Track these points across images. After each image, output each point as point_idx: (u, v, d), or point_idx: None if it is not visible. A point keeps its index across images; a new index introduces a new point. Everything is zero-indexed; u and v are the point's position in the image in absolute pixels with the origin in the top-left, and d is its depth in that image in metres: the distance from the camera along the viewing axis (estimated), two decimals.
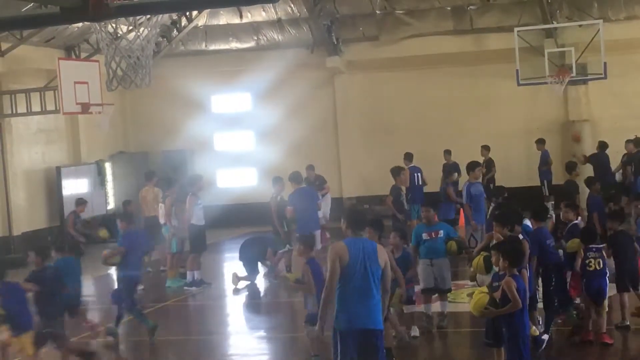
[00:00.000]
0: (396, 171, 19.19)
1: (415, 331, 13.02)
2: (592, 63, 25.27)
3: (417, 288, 13.40)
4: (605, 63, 24.28)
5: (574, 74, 24.83)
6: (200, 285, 18.23)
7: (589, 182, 17.47)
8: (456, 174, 25.93)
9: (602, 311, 12.20)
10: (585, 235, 12.55)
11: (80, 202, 20.96)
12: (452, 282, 15.45)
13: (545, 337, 11.86)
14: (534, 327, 11.45)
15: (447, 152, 26.03)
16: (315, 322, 11.49)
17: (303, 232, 17.63)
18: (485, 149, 25.78)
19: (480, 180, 18.10)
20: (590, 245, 12.35)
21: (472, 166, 17.92)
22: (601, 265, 12.16)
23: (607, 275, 12.26)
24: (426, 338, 13.33)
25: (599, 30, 24.38)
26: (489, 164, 25.70)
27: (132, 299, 14.33)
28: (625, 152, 23.97)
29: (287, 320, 15.66)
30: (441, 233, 13.48)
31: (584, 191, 19.45)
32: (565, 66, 25.03)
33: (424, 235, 13.52)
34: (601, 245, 12.45)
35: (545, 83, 24.85)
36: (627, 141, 24.27)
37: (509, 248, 10.20)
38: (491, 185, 23.58)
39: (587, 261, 12.22)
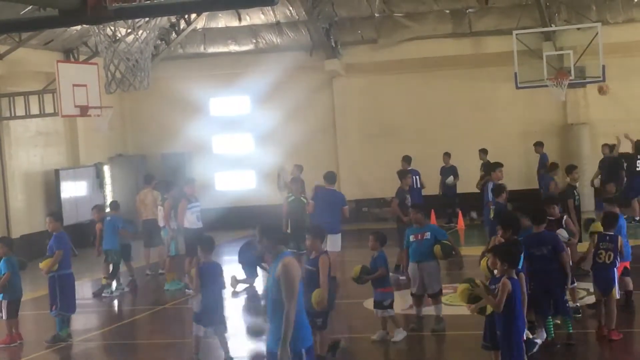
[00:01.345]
0: (403, 174, 19.28)
1: (397, 336, 12.99)
2: (590, 66, 25.28)
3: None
4: (603, 66, 24.31)
5: (572, 77, 24.84)
6: None
7: (603, 184, 17.68)
8: (452, 177, 25.95)
9: (611, 305, 12.23)
10: (606, 220, 12.66)
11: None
12: (451, 284, 15.47)
13: (538, 340, 11.83)
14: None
15: (447, 155, 26.02)
16: (202, 320, 12.19)
17: None
18: (483, 152, 25.82)
19: (499, 181, 17.85)
20: (605, 233, 12.44)
21: (493, 167, 17.85)
22: (611, 258, 12.24)
23: (617, 266, 12.32)
24: (424, 341, 13.35)
25: (597, 33, 24.38)
26: (487, 167, 25.70)
27: (73, 300, 14.40)
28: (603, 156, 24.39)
29: None
30: (427, 235, 13.41)
31: (583, 193, 19.49)
32: (564, 69, 25.05)
33: (411, 238, 13.54)
34: (613, 234, 12.49)
35: (544, 86, 24.86)
36: (604, 145, 24.55)
37: (506, 250, 10.21)
38: None
39: (598, 252, 12.32)
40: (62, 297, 14.19)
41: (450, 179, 26.18)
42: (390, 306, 13.01)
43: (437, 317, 13.54)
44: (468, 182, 25.62)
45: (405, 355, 13.05)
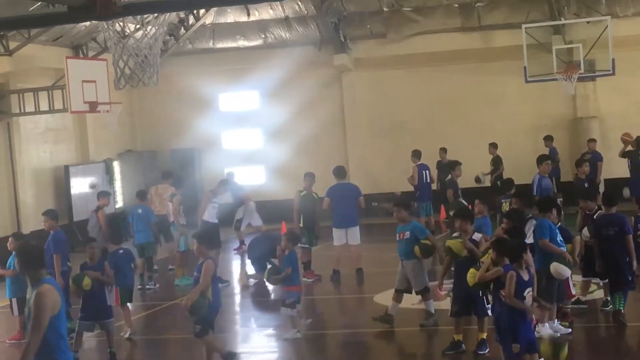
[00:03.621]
0: (453, 165, 20.10)
1: (287, 334, 13.13)
2: (600, 59, 25.19)
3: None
4: (613, 59, 24.21)
5: (582, 71, 24.76)
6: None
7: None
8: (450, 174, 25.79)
9: None
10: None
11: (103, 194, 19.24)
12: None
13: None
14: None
15: (443, 150, 25.81)
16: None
17: (339, 227, 17.74)
18: (493, 146, 25.76)
19: (546, 174, 17.38)
20: None
21: (540, 160, 17.37)
22: None
23: None
24: (415, 335, 13.35)
25: (607, 26, 24.30)
26: (497, 162, 25.65)
27: (68, 296, 14.47)
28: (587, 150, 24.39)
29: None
30: (407, 234, 13.30)
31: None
32: (573, 63, 24.98)
33: (396, 236, 13.52)
34: None
35: (554, 80, 24.78)
36: (589, 140, 24.53)
37: (510, 244, 10.22)
38: (498, 183, 23.54)
39: (637, 233, 12.80)
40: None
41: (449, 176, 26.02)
42: (292, 305, 13.08)
43: (428, 312, 13.48)
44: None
45: (407, 350, 13.05)
